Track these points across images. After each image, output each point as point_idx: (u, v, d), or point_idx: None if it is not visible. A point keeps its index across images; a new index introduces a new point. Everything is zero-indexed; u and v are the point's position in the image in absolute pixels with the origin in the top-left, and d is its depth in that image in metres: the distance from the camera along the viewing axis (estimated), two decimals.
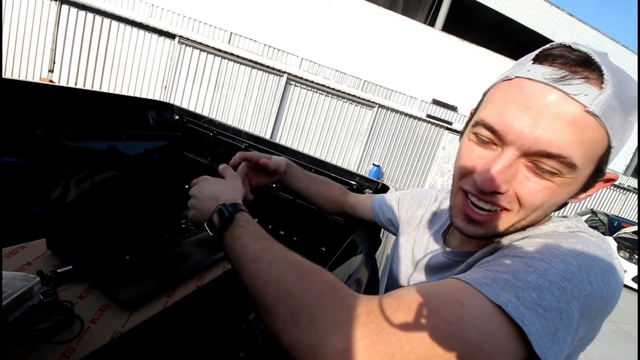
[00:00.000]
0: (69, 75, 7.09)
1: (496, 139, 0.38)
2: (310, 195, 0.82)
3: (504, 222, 0.40)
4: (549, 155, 0.34)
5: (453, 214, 0.45)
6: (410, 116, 8.55)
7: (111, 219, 0.68)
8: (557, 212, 0.44)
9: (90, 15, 6.89)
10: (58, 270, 0.50)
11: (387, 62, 9.67)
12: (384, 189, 1.31)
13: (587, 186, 0.39)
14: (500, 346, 0.30)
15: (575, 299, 0.31)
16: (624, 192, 10.27)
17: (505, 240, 0.42)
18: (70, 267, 0.52)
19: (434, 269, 0.54)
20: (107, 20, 6.99)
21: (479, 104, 0.43)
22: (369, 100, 8.32)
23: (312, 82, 8.05)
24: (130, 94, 7.24)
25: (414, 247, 0.62)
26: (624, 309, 5.11)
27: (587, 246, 0.35)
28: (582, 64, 0.34)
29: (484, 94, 0.42)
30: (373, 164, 8.61)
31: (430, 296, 0.32)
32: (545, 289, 0.31)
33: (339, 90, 8.16)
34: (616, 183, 10.13)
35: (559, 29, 10.44)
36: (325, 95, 8.22)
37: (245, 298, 0.76)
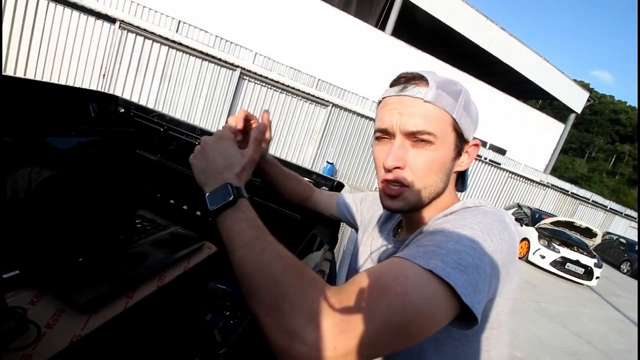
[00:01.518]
0: None
1: (387, 135, 0.55)
2: (280, 187, 0.84)
3: (412, 193, 0.54)
4: (417, 133, 0.52)
5: (381, 199, 0.58)
6: (363, 116, 8.84)
7: (59, 219, 0.64)
8: (464, 195, 0.57)
9: None
10: (4, 276, 0.47)
11: (340, 62, 9.87)
12: (340, 186, 1.37)
13: (459, 151, 0.55)
14: (438, 304, 0.37)
15: (485, 256, 0.41)
16: (544, 188, 11.69)
17: (429, 223, 0.53)
18: (17, 271, 0.49)
19: (385, 259, 0.61)
20: None
21: (375, 125, 0.61)
22: (323, 99, 8.43)
23: (267, 78, 7.93)
24: (63, 82, 6.53)
25: (372, 243, 0.70)
26: (543, 290, 5.85)
27: (486, 215, 0.48)
28: (413, 78, 0.53)
29: (375, 119, 0.60)
30: (327, 162, 8.76)
31: (382, 276, 0.39)
32: (462, 251, 0.40)
33: (293, 88, 8.15)
34: (537, 180, 11.51)
35: (493, 40, 11.53)
36: (280, 92, 8.16)
37: (204, 298, 0.76)
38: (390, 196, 0.55)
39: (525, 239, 7.58)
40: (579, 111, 13.84)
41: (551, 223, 7.60)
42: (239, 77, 7.73)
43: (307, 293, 0.36)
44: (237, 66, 7.65)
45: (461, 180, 0.62)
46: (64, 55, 6.65)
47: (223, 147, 0.54)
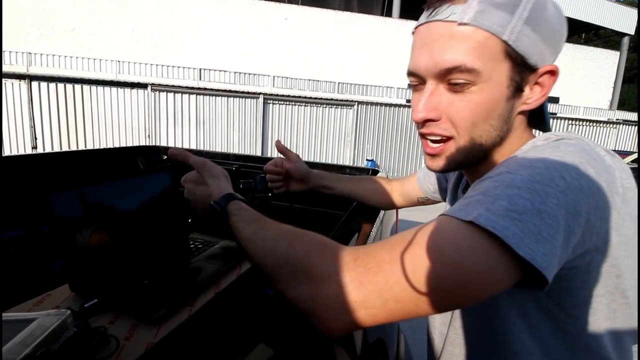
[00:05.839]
0: (53, 147, 7.17)
1: (418, 79, 0.44)
2: (357, 194, 0.84)
3: (455, 148, 0.44)
4: (451, 70, 0.39)
5: (424, 158, 0.49)
6: (391, 105, 8.66)
7: (124, 253, 0.72)
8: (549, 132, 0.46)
9: (60, 85, 7.01)
10: (85, 305, 0.54)
11: (356, 60, 9.83)
12: (375, 174, 1.35)
13: (518, 85, 0.41)
14: (483, 260, 0.30)
15: (551, 197, 0.31)
16: (614, 126, 10.37)
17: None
18: (96, 300, 0.56)
19: None
20: (77, 86, 7.11)
21: None
22: (347, 100, 8.43)
23: (289, 96, 8.17)
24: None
25: (446, 207, 0.65)
26: None
27: (558, 148, 0.37)
28: None
29: None
30: (367, 160, 8.68)
31: (412, 233, 0.34)
32: (514, 195, 0.32)
33: (316, 98, 8.28)
34: (604, 119, 10.24)
35: None
36: (305, 105, 8.33)
37: (264, 304, 0.79)
38: (430, 155, 0.46)
39: None
40: (631, 32, 12.17)
41: (633, 161, 6.70)
42: (264, 102, 8.04)
43: (317, 258, 0.37)
44: (260, 93, 7.99)
45: (536, 118, 0.47)
46: (112, 126, 7.48)
47: (194, 186, 0.64)
